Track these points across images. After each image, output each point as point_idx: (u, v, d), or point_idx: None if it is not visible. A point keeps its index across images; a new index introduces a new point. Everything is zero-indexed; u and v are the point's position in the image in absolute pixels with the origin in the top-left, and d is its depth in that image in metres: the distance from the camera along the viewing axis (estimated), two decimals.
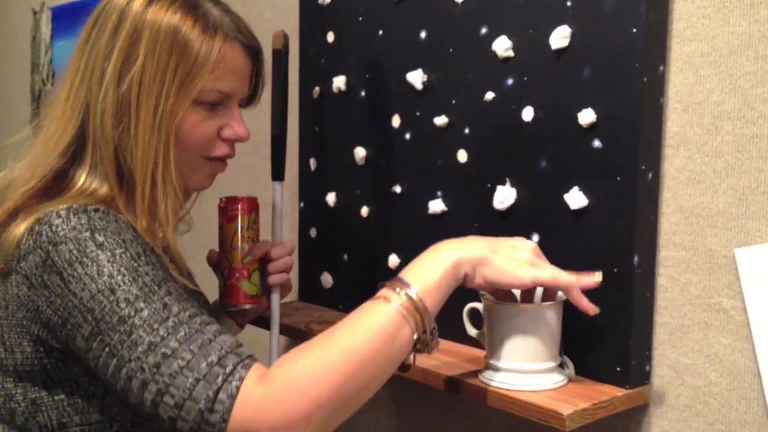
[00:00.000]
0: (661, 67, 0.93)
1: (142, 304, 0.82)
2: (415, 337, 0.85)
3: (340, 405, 0.80)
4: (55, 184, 0.94)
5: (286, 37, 1.19)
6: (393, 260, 1.22)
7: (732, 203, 0.89)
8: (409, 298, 0.85)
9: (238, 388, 0.77)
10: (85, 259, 0.84)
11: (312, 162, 1.37)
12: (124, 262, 0.85)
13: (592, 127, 0.96)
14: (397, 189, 1.21)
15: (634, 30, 0.91)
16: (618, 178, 0.93)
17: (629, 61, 0.91)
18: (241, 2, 1.59)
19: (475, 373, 0.99)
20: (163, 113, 0.93)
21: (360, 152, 1.26)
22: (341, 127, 1.30)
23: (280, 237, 1.22)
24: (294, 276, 1.45)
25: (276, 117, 1.20)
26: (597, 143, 0.95)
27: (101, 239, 0.86)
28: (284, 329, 1.26)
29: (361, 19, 1.25)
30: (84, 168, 0.94)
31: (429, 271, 0.88)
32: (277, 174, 1.22)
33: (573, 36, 0.97)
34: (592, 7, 0.95)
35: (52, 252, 0.85)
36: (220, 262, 1.18)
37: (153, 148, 0.93)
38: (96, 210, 0.88)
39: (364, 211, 1.27)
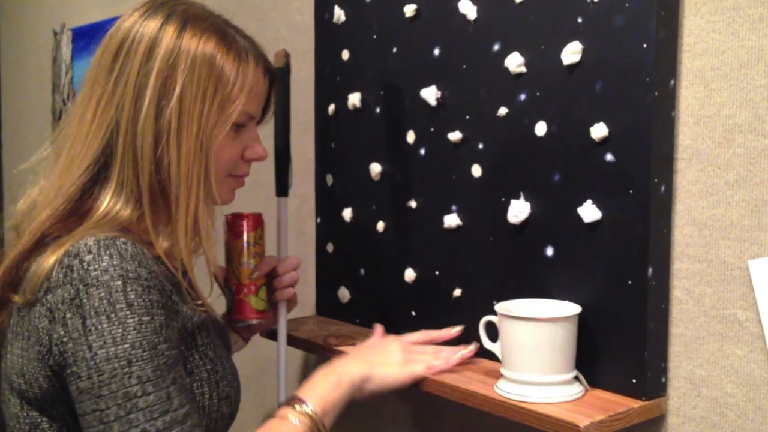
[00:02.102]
0: (672, 81, 0.94)
1: (150, 388, 0.85)
2: None
3: None
4: (80, 205, 0.95)
5: (287, 56, 1.22)
6: (409, 274, 1.24)
7: (745, 215, 0.89)
8: (310, 417, 0.96)
9: None
10: (113, 315, 0.85)
11: (329, 178, 1.38)
12: (148, 334, 0.86)
13: (605, 141, 0.97)
14: (413, 204, 1.22)
15: (645, 45, 0.92)
16: (631, 191, 0.94)
17: (640, 75, 0.92)
18: (258, 21, 1.62)
19: (491, 386, 1.00)
20: (203, 136, 0.96)
21: (375, 168, 1.28)
22: (357, 143, 1.32)
23: (285, 252, 1.24)
24: (311, 290, 1.47)
25: (279, 134, 1.22)
26: (610, 157, 0.96)
27: (132, 296, 0.86)
28: (302, 343, 1.28)
29: (375, 37, 1.27)
30: (109, 188, 0.95)
31: (324, 391, 0.99)
32: (282, 190, 1.25)
33: (584, 51, 0.98)
34: (603, 22, 0.96)
35: (82, 292, 0.86)
36: (227, 278, 1.19)
37: (196, 169, 0.96)
38: (126, 243, 0.89)
39: (380, 226, 1.28)
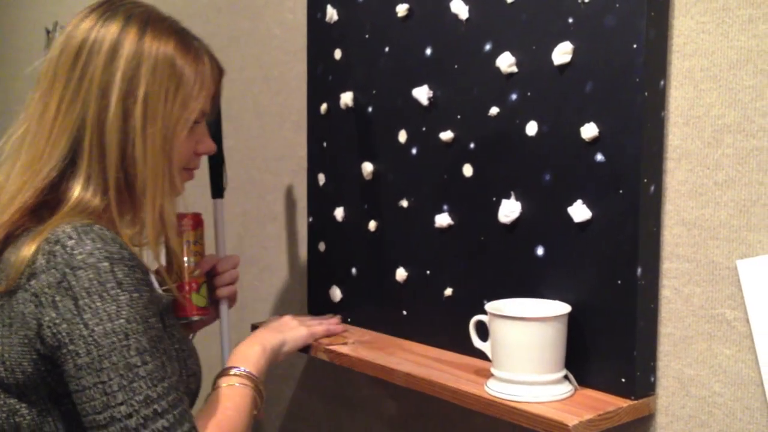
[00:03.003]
0: (662, 82, 0.94)
1: (148, 358, 0.90)
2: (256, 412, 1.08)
3: None
4: (50, 198, 0.98)
5: None
6: (401, 273, 1.24)
7: (733, 215, 0.90)
8: (252, 379, 1.07)
9: None
10: (105, 294, 0.90)
11: (320, 177, 1.39)
12: (140, 309, 0.91)
13: (595, 141, 0.97)
14: (404, 203, 1.23)
15: (635, 45, 0.92)
16: (621, 191, 0.95)
17: (630, 76, 0.93)
18: (250, 20, 1.62)
19: (481, 385, 1.01)
20: (167, 132, 1.01)
21: (367, 167, 1.28)
22: (349, 142, 1.32)
23: (224, 252, 1.30)
24: (303, 290, 1.47)
25: (212, 135, 1.24)
26: (600, 157, 0.97)
27: (120, 275, 0.91)
28: None
29: (367, 36, 1.27)
30: (78, 180, 0.99)
31: (252, 355, 1.11)
32: (217, 192, 1.32)
33: (575, 52, 0.99)
34: (593, 23, 0.96)
35: (69, 275, 0.89)
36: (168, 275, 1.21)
37: (161, 163, 1.01)
38: (102, 229, 0.94)
39: (372, 225, 1.28)
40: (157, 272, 1.16)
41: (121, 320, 0.89)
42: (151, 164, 1.00)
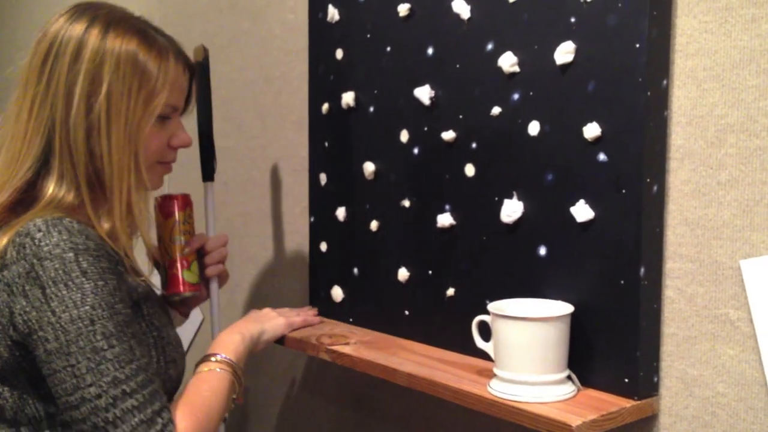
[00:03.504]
0: (665, 81, 0.94)
1: (114, 342, 0.95)
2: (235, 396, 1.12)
3: None
4: (26, 196, 1.03)
5: (205, 50, 1.35)
6: (402, 273, 1.24)
7: (737, 215, 0.89)
8: (231, 365, 1.11)
9: None
10: (70, 282, 0.95)
11: (322, 177, 1.38)
12: (105, 296, 0.96)
13: (597, 140, 0.97)
14: (406, 203, 1.22)
15: (638, 45, 0.92)
16: (623, 191, 0.94)
17: (633, 75, 0.93)
18: (251, 20, 1.62)
19: (484, 385, 1.00)
20: (131, 128, 1.05)
21: (369, 167, 1.28)
22: (350, 142, 1.32)
23: (213, 233, 1.36)
24: (304, 289, 1.47)
25: (202, 123, 1.36)
26: (602, 157, 0.96)
27: (85, 265, 0.96)
28: (296, 343, 1.28)
29: (369, 36, 1.27)
30: (52, 178, 1.03)
31: (232, 343, 1.15)
32: (207, 175, 1.39)
33: (577, 51, 0.98)
34: (596, 22, 0.96)
35: (37, 265, 0.95)
36: (160, 256, 1.28)
37: (126, 158, 1.05)
38: (71, 222, 0.99)
39: (374, 225, 1.28)
40: (149, 254, 1.27)
41: (87, 307, 0.94)
42: (117, 160, 1.04)
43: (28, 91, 1.05)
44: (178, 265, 1.26)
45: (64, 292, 0.94)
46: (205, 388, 1.07)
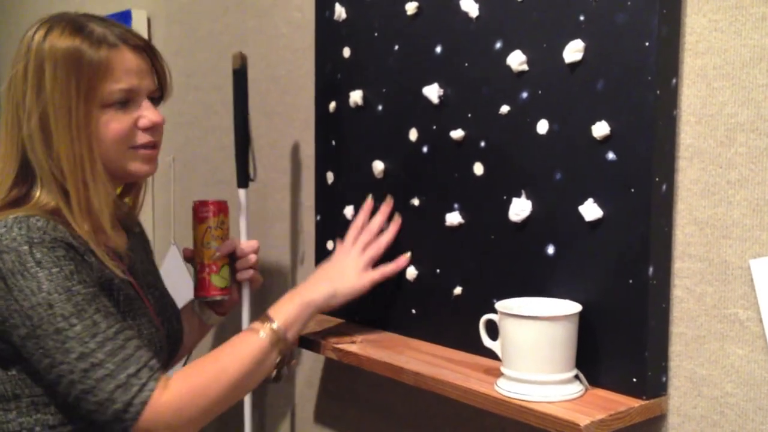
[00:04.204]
0: (674, 80, 0.93)
1: (75, 320, 1.02)
2: (278, 360, 1.15)
3: (217, 411, 1.09)
4: (20, 200, 1.10)
5: (243, 58, 1.37)
6: (411, 272, 1.23)
7: (746, 214, 0.89)
8: (274, 331, 1.14)
9: (148, 397, 1.01)
10: (25, 273, 1.02)
11: (329, 175, 1.38)
12: (60, 281, 1.03)
13: (606, 139, 0.97)
14: (415, 202, 1.22)
15: (647, 43, 0.92)
16: (632, 190, 0.94)
17: (642, 74, 0.92)
18: (258, 18, 1.61)
19: (491, 384, 1.00)
20: (78, 124, 1.08)
21: (378, 166, 1.28)
22: (358, 140, 1.32)
23: (246, 237, 1.39)
24: None
25: (238, 130, 1.37)
26: (611, 155, 0.96)
27: (39, 255, 1.03)
28: (301, 341, 1.28)
29: (376, 34, 1.27)
30: (37, 187, 1.10)
31: (289, 311, 1.17)
32: (242, 182, 1.41)
33: (586, 50, 0.98)
34: (605, 21, 0.96)
35: None
36: (193, 258, 1.33)
37: (77, 155, 1.09)
38: (38, 220, 1.05)
39: None
40: (184, 256, 1.35)
41: (43, 293, 1.01)
42: (71, 160, 1.08)
43: (4, 110, 1.12)
44: (207, 269, 1.31)
45: (22, 282, 1.02)
46: (228, 351, 1.12)
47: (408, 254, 1.24)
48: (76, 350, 1.01)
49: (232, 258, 1.34)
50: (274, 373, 1.18)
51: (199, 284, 1.32)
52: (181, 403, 1.04)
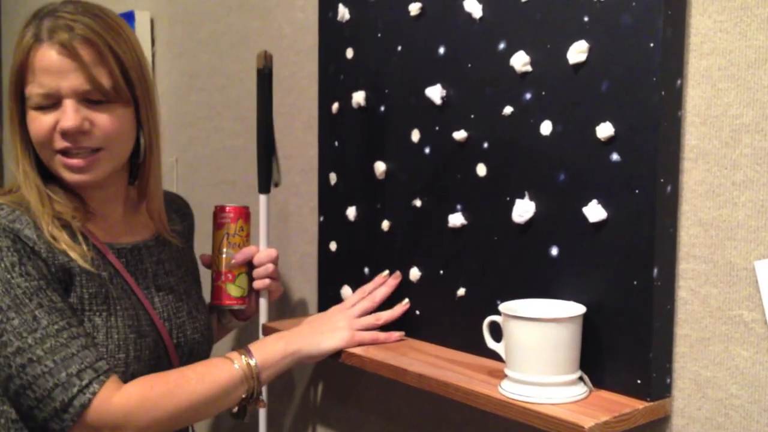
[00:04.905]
0: (679, 81, 0.93)
1: (13, 314, 1.01)
2: (244, 396, 1.12)
3: (170, 426, 1.07)
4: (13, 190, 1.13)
5: (268, 58, 1.29)
6: (414, 273, 1.23)
7: (751, 216, 0.89)
8: (250, 366, 1.11)
9: (90, 400, 0.99)
10: None
11: (332, 176, 1.38)
12: None
13: (611, 140, 0.96)
14: (418, 203, 1.22)
15: (652, 44, 0.91)
16: (637, 191, 0.94)
17: (647, 75, 0.92)
18: (261, 19, 1.61)
19: (495, 386, 1.00)
20: (10, 121, 1.11)
21: (380, 167, 1.28)
22: (361, 141, 1.32)
23: (266, 245, 1.33)
24: (314, 289, 1.47)
25: (261, 134, 1.32)
26: (615, 156, 0.96)
27: None
28: None
29: (379, 35, 1.27)
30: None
31: (271, 352, 1.14)
32: (263, 188, 1.35)
33: (591, 51, 0.98)
34: (609, 22, 0.96)
35: None
36: (211, 265, 1.31)
37: (15, 149, 1.12)
38: (2, 209, 1.06)
39: (385, 224, 1.28)
40: (202, 262, 1.34)
41: None
42: (9, 154, 1.13)
43: None
44: (223, 277, 1.28)
45: None
46: (197, 370, 1.10)
47: (404, 304, 1.24)
48: (14, 344, 0.99)
49: (251, 266, 1.31)
50: (236, 408, 1.14)
51: (215, 292, 1.30)
52: (131, 407, 1.02)
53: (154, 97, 1.18)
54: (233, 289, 1.28)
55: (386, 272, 1.27)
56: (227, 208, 1.29)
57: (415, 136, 1.22)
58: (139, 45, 1.15)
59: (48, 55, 1.06)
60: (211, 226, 1.31)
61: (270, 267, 1.31)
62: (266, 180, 1.34)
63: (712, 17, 0.91)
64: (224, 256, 1.28)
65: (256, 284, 1.31)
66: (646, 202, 0.93)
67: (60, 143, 1.09)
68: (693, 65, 0.93)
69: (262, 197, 1.35)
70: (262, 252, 1.32)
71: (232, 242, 1.28)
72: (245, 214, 1.30)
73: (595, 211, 0.98)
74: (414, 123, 1.22)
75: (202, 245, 1.41)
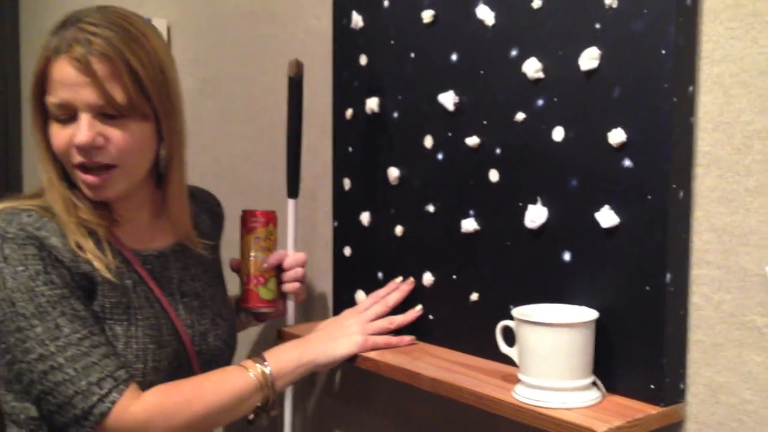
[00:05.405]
0: (691, 88, 0.94)
1: (36, 321, 1.02)
2: (260, 404, 1.13)
3: None
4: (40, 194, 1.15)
5: (299, 65, 1.31)
6: (427, 278, 1.24)
7: (764, 221, 0.89)
8: (265, 375, 1.13)
9: (109, 409, 1.01)
10: None
11: (346, 182, 1.39)
12: (23, 280, 1.03)
13: (623, 146, 0.97)
14: (430, 208, 1.23)
15: (664, 51, 0.92)
16: (649, 197, 0.94)
17: (659, 81, 0.93)
18: (276, 26, 1.63)
19: (508, 390, 1.00)
20: (34, 130, 1.13)
21: (393, 172, 1.29)
22: (375, 147, 1.33)
23: (294, 249, 1.36)
24: (328, 293, 1.48)
25: (291, 139, 1.33)
26: (627, 162, 0.96)
27: (8, 251, 1.04)
28: None
29: (393, 42, 1.28)
30: None
31: (286, 361, 1.16)
32: (292, 192, 1.36)
33: (602, 57, 0.98)
34: (621, 28, 0.96)
35: None
36: (240, 269, 1.32)
37: (40, 156, 1.13)
38: (30, 215, 1.07)
39: (399, 230, 1.29)
40: (231, 266, 1.35)
41: (7, 290, 1.03)
42: (35, 160, 1.14)
43: None
44: (254, 281, 1.30)
45: None
46: (213, 379, 1.11)
47: (417, 310, 1.24)
48: (36, 351, 1.01)
49: (279, 269, 1.33)
50: (251, 416, 1.15)
51: (245, 295, 1.31)
52: (150, 416, 1.04)
53: (178, 109, 1.16)
54: (264, 292, 1.30)
55: (399, 278, 1.28)
56: (257, 213, 1.31)
57: (428, 142, 1.22)
58: (164, 55, 1.13)
59: (64, 69, 1.07)
60: (240, 231, 1.33)
61: (299, 271, 1.33)
62: (295, 185, 1.36)
63: (724, 24, 0.91)
64: (255, 259, 1.30)
65: (286, 287, 1.33)
66: (658, 207, 0.94)
67: (76, 158, 1.09)
68: (705, 72, 0.93)
69: (291, 202, 1.36)
70: (292, 256, 1.34)
71: (263, 246, 1.30)
72: (274, 219, 1.33)
73: (607, 217, 0.99)
74: (427, 129, 1.22)
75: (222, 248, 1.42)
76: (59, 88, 1.07)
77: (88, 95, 1.06)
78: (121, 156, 1.10)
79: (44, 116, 1.11)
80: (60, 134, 1.09)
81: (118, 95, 1.07)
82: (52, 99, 1.08)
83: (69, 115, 1.08)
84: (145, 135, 1.12)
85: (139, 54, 1.08)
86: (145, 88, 1.09)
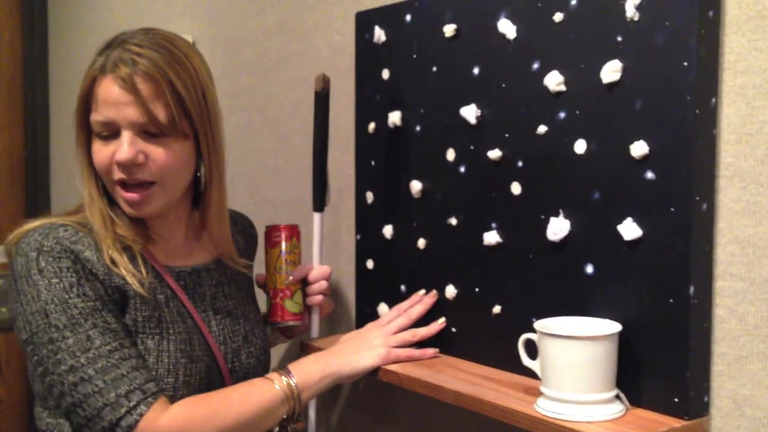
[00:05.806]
0: (713, 99, 0.93)
1: (68, 333, 1.04)
2: (285, 416, 1.14)
3: None
4: (79, 210, 1.18)
5: (326, 80, 1.32)
6: (450, 291, 1.24)
7: None
8: (290, 387, 1.14)
9: (137, 421, 1.02)
10: (29, 279, 1.06)
11: (369, 195, 1.40)
12: (57, 292, 1.05)
13: (645, 159, 0.97)
14: (453, 221, 1.23)
15: (686, 63, 0.92)
16: (672, 209, 0.94)
17: (681, 93, 0.93)
18: (299, 41, 1.65)
19: (531, 404, 1.00)
20: (77, 145, 1.16)
21: (416, 185, 1.29)
22: (397, 161, 1.34)
23: (319, 262, 1.38)
24: (351, 306, 1.48)
25: (316, 153, 1.35)
26: (650, 175, 0.96)
27: (43, 264, 1.06)
28: None
29: (415, 56, 1.29)
30: None
31: (311, 373, 1.17)
32: (318, 206, 1.38)
33: (624, 70, 0.99)
34: (643, 41, 0.96)
35: (14, 261, 1.10)
36: (266, 283, 1.34)
37: (82, 173, 1.17)
38: (66, 229, 1.10)
39: (421, 243, 1.29)
40: (257, 281, 1.37)
41: (41, 302, 1.05)
42: (77, 175, 1.18)
43: None
44: (281, 294, 1.32)
45: (26, 287, 1.06)
46: (240, 391, 1.12)
47: (440, 323, 1.25)
48: (67, 363, 1.03)
49: (304, 283, 1.34)
50: (277, 429, 1.16)
51: (272, 309, 1.32)
52: (177, 428, 1.04)
53: (218, 129, 1.18)
54: (291, 306, 1.31)
55: (422, 291, 1.28)
56: (281, 227, 1.33)
57: (451, 155, 1.23)
58: (206, 77, 1.17)
59: (109, 88, 1.09)
60: (264, 246, 1.35)
61: (324, 284, 1.35)
62: (321, 198, 1.37)
63: (746, 36, 0.91)
64: (281, 273, 1.32)
65: (311, 300, 1.34)
66: (681, 220, 0.93)
67: (117, 174, 1.12)
68: (727, 83, 0.93)
69: (316, 215, 1.38)
70: (317, 269, 1.35)
71: (288, 259, 1.32)
72: (297, 232, 1.34)
73: (630, 229, 0.98)
74: (449, 142, 1.23)
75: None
76: (104, 107, 1.10)
77: (131, 113, 1.09)
78: (160, 173, 1.12)
79: (88, 134, 1.14)
80: (102, 151, 1.12)
81: (161, 114, 1.09)
82: (97, 117, 1.11)
83: (112, 132, 1.11)
84: (185, 154, 1.14)
85: (182, 75, 1.11)
86: (187, 108, 1.12)
